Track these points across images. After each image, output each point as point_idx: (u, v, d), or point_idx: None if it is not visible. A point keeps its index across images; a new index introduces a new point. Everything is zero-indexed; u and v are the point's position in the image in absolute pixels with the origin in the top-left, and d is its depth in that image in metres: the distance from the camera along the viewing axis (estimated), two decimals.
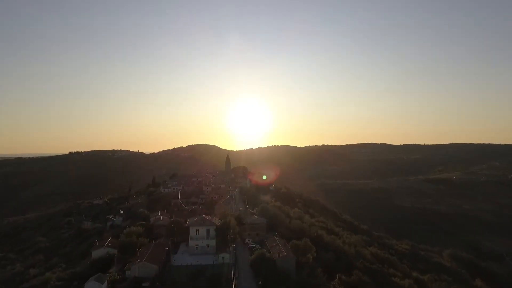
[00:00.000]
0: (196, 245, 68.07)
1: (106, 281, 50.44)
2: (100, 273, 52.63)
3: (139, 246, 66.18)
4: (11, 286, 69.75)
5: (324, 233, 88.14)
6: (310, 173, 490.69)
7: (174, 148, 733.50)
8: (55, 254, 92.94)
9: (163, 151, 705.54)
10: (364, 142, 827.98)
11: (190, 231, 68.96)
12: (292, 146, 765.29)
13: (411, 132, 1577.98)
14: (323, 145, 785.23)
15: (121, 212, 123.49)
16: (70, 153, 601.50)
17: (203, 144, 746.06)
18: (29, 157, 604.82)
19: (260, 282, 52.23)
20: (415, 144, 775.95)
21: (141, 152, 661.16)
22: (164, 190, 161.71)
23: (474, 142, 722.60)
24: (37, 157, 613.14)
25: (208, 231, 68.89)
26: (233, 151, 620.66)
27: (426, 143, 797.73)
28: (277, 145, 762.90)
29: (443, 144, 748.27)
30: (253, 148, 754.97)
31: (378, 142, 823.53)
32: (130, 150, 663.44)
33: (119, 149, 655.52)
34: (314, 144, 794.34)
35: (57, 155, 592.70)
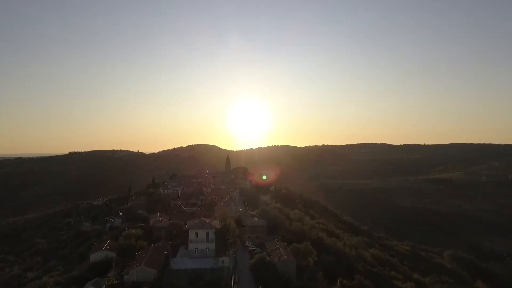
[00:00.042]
0: (195, 248, 67.41)
1: (104, 286, 49.78)
2: (98, 278, 52.00)
3: (138, 249, 65.54)
4: None
5: (325, 235, 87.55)
6: (310, 173, 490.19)
7: (174, 148, 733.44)
8: (53, 256, 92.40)
9: (163, 151, 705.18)
10: (364, 142, 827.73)
11: (189, 234, 68.28)
12: (292, 146, 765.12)
13: (411, 132, 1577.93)
14: (323, 145, 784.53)
15: (121, 213, 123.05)
16: (70, 153, 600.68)
17: (203, 144, 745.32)
18: (29, 157, 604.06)
19: (260, 287, 51.58)
20: (415, 144, 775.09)
21: (141, 152, 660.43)
22: (163, 191, 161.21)
23: (474, 142, 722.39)
24: (37, 157, 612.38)
25: (207, 234, 68.21)
26: (233, 151, 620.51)
27: (426, 143, 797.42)
28: (277, 145, 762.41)
29: (443, 144, 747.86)
30: (253, 148, 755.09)
31: (378, 142, 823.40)
32: (130, 150, 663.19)
33: (119, 149, 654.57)
34: (314, 144, 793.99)
35: (57, 155, 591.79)
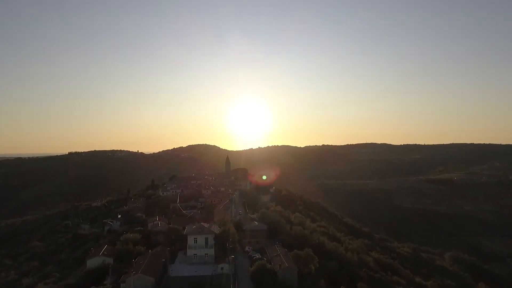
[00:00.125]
0: (194, 254, 66.05)
1: None
2: (93, 287, 50.69)
3: (136, 255, 64.33)
4: None
5: (326, 239, 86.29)
6: (310, 173, 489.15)
7: (174, 148, 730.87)
8: (50, 260, 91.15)
9: (163, 151, 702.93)
10: (364, 142, 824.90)
11: (188, 239, 66.95)
12: (292, 146, 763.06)
13: (411, 132, 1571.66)
14: (323, 145, 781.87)
15: (119, 216, 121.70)
16: (70, 153, 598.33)
17: (203, 144, 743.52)
18: (29, 157, 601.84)
19: None
20: (415, 144, 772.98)
21: (141, 152, 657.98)
22: (162, 193, 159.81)
23: (474, 142, 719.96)
24: (37, 157, 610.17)
25: (206, 239, 66.87)
26: (233, 151, 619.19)
27: (426, 143, 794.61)
28: (277, 145, 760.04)
29: (443, 144, 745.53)
30: (253, 148, 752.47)
31: (378, 142, 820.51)
32: (130, 150, 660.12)
33: (119, 149, 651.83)
34: (314, 144, 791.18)
35: (57, 155, 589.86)
